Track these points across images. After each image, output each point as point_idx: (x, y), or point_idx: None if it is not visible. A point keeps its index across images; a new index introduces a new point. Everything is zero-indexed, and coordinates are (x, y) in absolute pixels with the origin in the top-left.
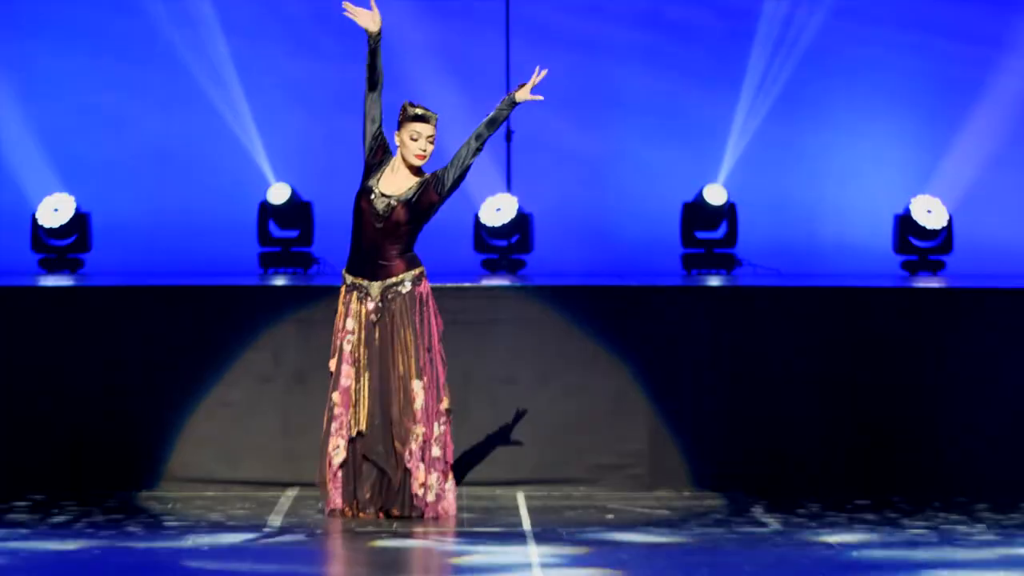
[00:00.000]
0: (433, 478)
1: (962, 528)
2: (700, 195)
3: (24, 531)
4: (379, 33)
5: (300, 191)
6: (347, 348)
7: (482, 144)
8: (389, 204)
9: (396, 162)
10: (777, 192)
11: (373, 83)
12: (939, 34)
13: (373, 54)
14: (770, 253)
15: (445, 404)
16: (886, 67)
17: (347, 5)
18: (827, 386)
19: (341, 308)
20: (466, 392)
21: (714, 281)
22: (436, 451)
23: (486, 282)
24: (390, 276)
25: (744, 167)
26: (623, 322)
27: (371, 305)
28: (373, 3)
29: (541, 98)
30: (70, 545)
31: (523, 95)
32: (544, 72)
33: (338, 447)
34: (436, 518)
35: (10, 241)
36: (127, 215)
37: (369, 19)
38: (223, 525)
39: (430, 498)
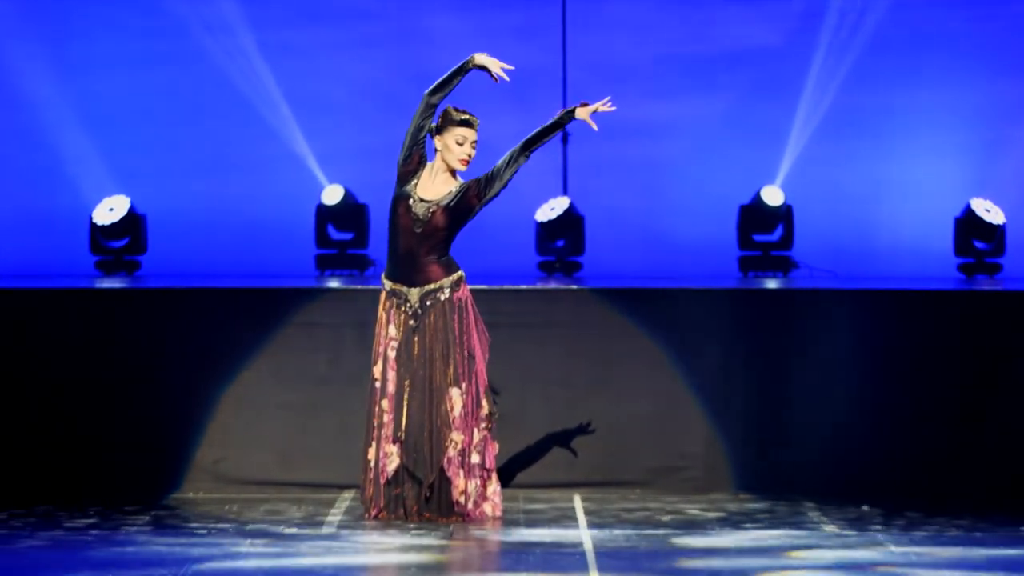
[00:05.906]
0: (472, 485)
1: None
2: (757, 197)
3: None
4: (480, 65)
5: (356, 194)
6: (392, 355)
7: (530, 154)
8: (429, 209)
9: (434, 168)
10: (833, 194)
11: (442, 94)
12: (996, 38)
13: (461, 72)
14: (826, 255)
15: (486, 409)
16: (942, 70)
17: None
18: (885, 391)
19: (382, 314)
20: (522, 394)
21: (771, 284)
22: (475, 458)
23: (542, 285)
24: (428, 282)
25: (801, 168)
26: (679, 324)
27: (410, 312)
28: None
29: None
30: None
31: (583, 114)
32: (613, 108)
33: (390, 453)
34: (479, 521)
35: (69, 244)
36: (184, 217)
37: (490, 61)
38: (280, 528)
39: (470, 505)
